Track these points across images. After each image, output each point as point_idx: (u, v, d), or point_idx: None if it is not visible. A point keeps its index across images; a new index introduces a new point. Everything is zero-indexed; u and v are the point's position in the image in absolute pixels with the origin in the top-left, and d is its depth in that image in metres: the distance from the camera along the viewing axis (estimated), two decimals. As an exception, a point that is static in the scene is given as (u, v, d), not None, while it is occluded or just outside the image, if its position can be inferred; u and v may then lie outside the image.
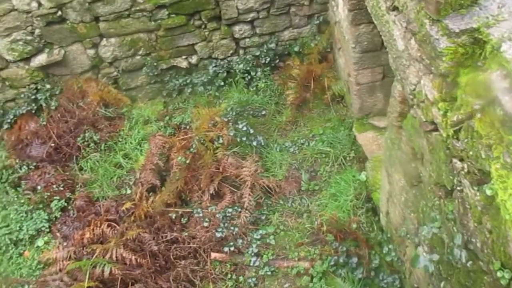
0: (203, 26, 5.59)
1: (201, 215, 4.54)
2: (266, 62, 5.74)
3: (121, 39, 5.45)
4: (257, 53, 5.77)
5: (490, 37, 1.78)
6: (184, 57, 5.83)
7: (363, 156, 4.82)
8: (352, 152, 4.95)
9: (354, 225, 4.21)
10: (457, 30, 1.84)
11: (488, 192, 1.76)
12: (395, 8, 2.45)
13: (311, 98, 5.45)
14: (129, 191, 4.96)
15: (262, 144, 5.08)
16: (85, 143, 5.37)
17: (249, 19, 5.57)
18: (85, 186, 5.13)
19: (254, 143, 4.99)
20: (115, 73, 5.78)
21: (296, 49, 5.70)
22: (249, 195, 4.55)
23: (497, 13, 1.83)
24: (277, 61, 5.80)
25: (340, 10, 4.41)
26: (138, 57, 5.66)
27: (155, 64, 5.76)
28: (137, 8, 5.21)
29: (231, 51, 5.87)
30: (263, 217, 4.65)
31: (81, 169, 5.30)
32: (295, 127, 5.44)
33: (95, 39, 5.42)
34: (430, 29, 1.97)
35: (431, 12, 1.92)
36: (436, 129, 2.31)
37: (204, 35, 5.66)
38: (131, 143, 5.41)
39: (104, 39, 5.46)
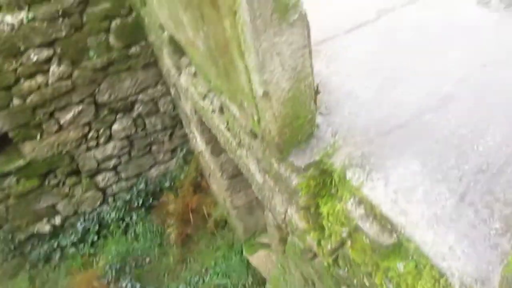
0: (61, 184, 5.16)
1: None
2: (140, 204, 5.44)
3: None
4: (128, 198, 5.46)
5: (334, 167, 1.83)
6: (45, 220, 5.22)
7: (262, 277, 4.60)
8: (250, 277, 4.70)
9: None
10: (303, 166, 1.86)
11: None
12: (243, 146, 2.48)
13: (194, 231, 5.20)
14: None
15: (153, 296, 4.56)
16: None
17: (111, 166, 5.32)
18: None
19: (144, 299, 4.44)
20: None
21: (167, 184, 5.54)
22: None
23: (332, 142, 1.91)
24: (151, 200, 5.54)
25: (199, 143, 4.46)
26: (-14, 236, 4.88)
27: (10, 237, 5.02)
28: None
29: (99, 202, 5.46)
30: None
31: None
32: (185, 266, 5.05)
33: None
34: (279, 168, 1.97)
35: (275, 152, 1.94)
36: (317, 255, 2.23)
37: (64, 193, 5.20)
38: None
39: None
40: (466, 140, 1.77)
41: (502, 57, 2.13)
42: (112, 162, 5.30)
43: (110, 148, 5.20)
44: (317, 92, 2.04)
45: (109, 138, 5.16)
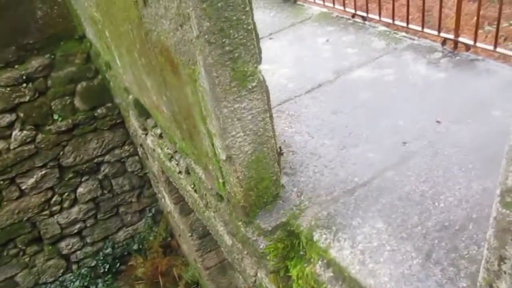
0: (21, 253, 4.88)
1: None
2: (106, 270, 5.19)
3: None
4: (94, 263, 5.20)
5: (301, 228, 1.81)
6: (2, 294, 4.86)
7: None
8: None
9: None
10: (270, 228, 1.84)
11: None
12: (210, 207, 2.44)
13: (164, 296, 4.96)
14: None
15: None
16: None
17: (75, 230, 5.11)
18: None
19: None
20: None
21: (135, 247, 5.34)
22: None
23: (298, 202, 1.91)
24: (118, 265, 5.30)
25: (168, 202, 4.36)
26: None
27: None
28: None
29: (62, 270, 5.17)
30: None
31: None
32: (155, 335, 4.76)
33: None
34: (245, 232, 1.94)
35: (241, 215, 1.92)
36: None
37: (24, 262, 4.91)
38: None
39: None
40: (427, 197, 1.80)
41: (453, 113, 2.24)
42: (76, 227, 5.09)
43: (74, 212, 5.01)
44: (280, 153, 2.06)
45: (74, 202, 4.99)
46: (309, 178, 2.03)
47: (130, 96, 3.25)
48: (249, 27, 1.50)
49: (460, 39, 2.70)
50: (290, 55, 3.14)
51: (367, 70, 2.75)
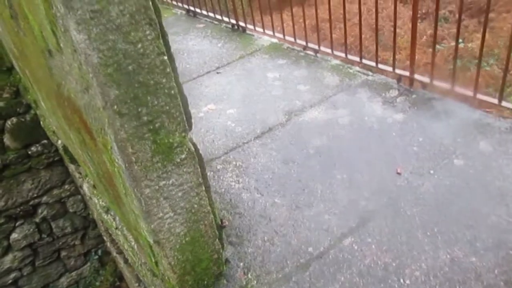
0: None
1: None
2: (46, 322, 4.65)
3: None
4: (32, 316, 4.66)
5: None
6: None
7: None
8: None
9: None
10: (211, 318, 1.55)
11: None
12: (146, 277, 2.12)
13: None
14: None
15: None
16: None
17: (10, 281, 4.57)
18: None
19: None
20: None
21: (79, 295, 4.85)
22: None
23: (245, 283, 1.63)
24: (61, 316, 4.78)
25: (111, 249, 3.96)
26: None
27: None
28: None
29: (-6, 326, 4.59)
30: None
31: None
32: None
33: None
34: (183, 321, 1.63)
35: (177, 302, 1.61)
36: None
37: (-51, 322, 4.32)
38: None
39: None
40: (391, 271, 1.58)
41: (414, 162, 2.05)
42: (11, 277, 4.55)
43: (8, 261, 4.48)
44: (222, 226, 1.78)
45: (7, 249, 4.46)
46: (257, 248, 1.76)
47: (59, 141, 2.88)
48: (172, 92, 1.22)
49: (416, 76, 2.54)
50: (238, 93, 2.89)
51: (321, 111, 2.53)
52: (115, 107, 1.14)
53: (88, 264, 4.99)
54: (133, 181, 1.26)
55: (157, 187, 1.31)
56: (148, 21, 1.10)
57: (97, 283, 4.91)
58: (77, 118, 1.61)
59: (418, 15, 2.45)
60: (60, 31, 1.15)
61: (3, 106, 4.01)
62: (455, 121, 2.26)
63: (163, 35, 1.18)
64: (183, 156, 1.33)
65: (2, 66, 3.97)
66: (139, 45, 1.11)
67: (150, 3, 1.10)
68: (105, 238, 4.60)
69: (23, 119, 4.10)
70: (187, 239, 1.46)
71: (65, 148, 2.81)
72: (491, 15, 9.52)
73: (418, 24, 2.65)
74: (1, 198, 4.29)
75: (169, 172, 1.32)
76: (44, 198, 4.56)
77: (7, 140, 4.15)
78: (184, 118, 1.29)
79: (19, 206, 4.42)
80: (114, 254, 4.37)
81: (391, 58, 2.65)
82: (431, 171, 1.99)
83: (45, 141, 4.29)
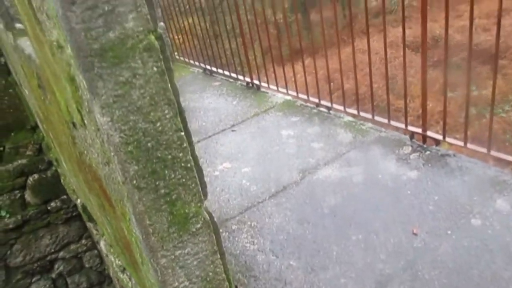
0: None
1: None
2: None
3: None
4: None
5: None
6: None
7: None
8: None
9: None
10: None
11: None
12: None
13: None
14: None
15: None
16: None
17: None
18: None
19: None
20: None
21: None
22: None
23: None
24: None
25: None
26: None
27: None
28: None
29: None
30: None
31: None
32: None
33: None
34: None
35: None
36: None
37: None
38: None
39: None
40: None
41: (430, 222, 2.03)
42: (25, 335, 4.50)
43: (23, 318, 4.45)
44: (237, 293, 1.77)
45: (22, 306, 4.44)
46: (273, 314, 1.74)
47: (79, 200, 2.95)
48: (188, 165, 1.27)
49: (429, 133, 2.57)
50: (253, 151, 2.95)
51: (334, 169, 2.56)
52: (134, 181, 1.19)
53: (102, 321, 4.92)
54: (150, 252, 1.29)
55: (173, 256, 1.33)
56: (167, 102, 1.17)
57: None
58: (97, 185, 1.67)
59: (431, 63, 2.52)
60: (85, 111, 1.23)
61: (26, 163, 4.15)
62: (471, 178, 2.26)
63: (181, 112, 1.25)
64: (198, 225, 1.36)
65: (27, 125, 4.16)
66: (158, 124, 1.18)
67: (169, 85, 1.17)
68: (120, 294, 4.55)
69: (44, 176, 4.23)
70: (202, 307, 1.46)
71: (84, 207, 2.87)
72: (504, 62, 9.63)
73: (431, 72, 2.70)
74: (19, 253, 4.34)
75: (185, 242, 1.34)
76: (61, 254, 4.59)
77: (28, 196, 4.26)
78: (200, 189, 1.33)
79: (36, 262, 4.46)
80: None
81: (404, 107, 2.68)
82: (448, 232, 1.97)
83: (65, 196, 4.39)
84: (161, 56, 1.13)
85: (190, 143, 1.30)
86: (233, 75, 4.26)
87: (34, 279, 4.49)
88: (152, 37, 1.11)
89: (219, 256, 1.45)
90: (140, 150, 1.17)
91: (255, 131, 3.21)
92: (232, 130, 3.29)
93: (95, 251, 4.75)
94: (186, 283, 1.39)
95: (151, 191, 1.22)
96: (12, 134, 4.10)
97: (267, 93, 3.81)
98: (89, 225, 3.62)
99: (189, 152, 1.28)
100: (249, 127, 3.28)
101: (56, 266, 4.59)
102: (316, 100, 3.31)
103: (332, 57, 3.18)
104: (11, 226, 4.18)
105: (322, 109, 3.29)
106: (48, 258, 4.51)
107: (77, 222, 4.56)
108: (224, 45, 4.35)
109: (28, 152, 4.16)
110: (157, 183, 1.23)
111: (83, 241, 4.64)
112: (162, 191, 1.25)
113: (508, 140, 7.79)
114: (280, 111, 3.42)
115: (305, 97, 3.40)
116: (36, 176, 4.19)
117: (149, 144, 1.18)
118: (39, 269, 4.48)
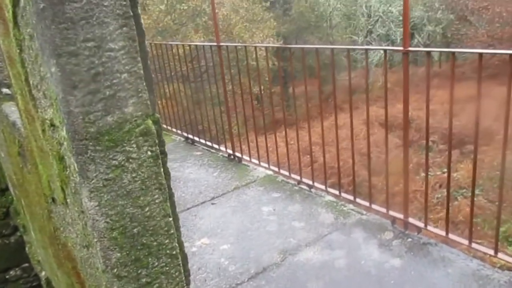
0: None
1: None
2: None
3: None
4: None
5: None
6: None
7: None
8: None
9: None
10: None
11: None
12: None
13: None
14: None
15: None
16: None
17: None
18: None
19: None
20: None
21: None
22: None
23: None
24: None
25: None
26: None
27: None
28: None
29: None
30: None
31: None
32: None
33: None
34: None
35: None
36: None
37: None
38: None
39: None
40: None
41: (416, 316, 1.96)
42: None
43: None
44: None
45: None
46: None
47: (43, 273, 2.75)
48: (174, 252, 1.21)
49: (411, 220, 2.58)
50: (233, 226, 2.87)
51: (316, 251, 2.50)
52: (115, 270, 1.11)
53: None
54: None
55: None
56: (158, 186, 1.14)
57: None
58: (70, 265, 1.56)
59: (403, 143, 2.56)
60: (70, 191, 1.18)
61: (-11, 227, 3.90)
62: (454, 271, 2.23)
63: (170, 196, 1.21)
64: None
65: (-4, 186, 3.97)
66: (147, 209, 1.13)
67: (162, 169, 1.15)
68: None
69: (7, 241, 3.97)
70: None
71: (48, 281, 2.67)
72: (471, 147, 10.05)
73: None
74: (-33, 327, 3.94)
75: (163, 336, 1.24)
76: (14, 328, 4.19)
77: (-14, 262, 3.95)
78: (183, 278, 1.26)
79: (-16, 337, 4.04)
80: None
81: (383, 184, 2.70)
82: (434, 327, 1.90)
83: (26, 264, 4.10)
84: (156, 141, 1.12)
85: (177, 229, 1.25)
86: (215, 146, 4.28)
87: None
88: (150, 122, 1.10)
89: None
90: (125, 236, 1.11)
91: (235, 205, 3.15)
92: (212, 203, 3.22)
93: (52, 327, 4.36)
94: None
95: (132, 279, 1.15)
96: (-21, 194, 3.90)
97: (249, 166, 3.81)
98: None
99: (176, 239, 1.22)
100: (229, 200, 3.23)
101: None
102: (298, 178, 3.31)
103: (313, 129, 3.25)
104: (-38, 295, 3.83)
105: (303, 186, 3.29)
106: (-1, 333, 4.10)
107: (36, 294, 4.22)
108: (208, 111, 4.38)
109: (-6, 215, 3.94)
110: (139, 271, 1.16)
111: (40, 315, 4.27)
112: (144, 280, 1.17)
113: (479, 224, 7.94)
114: (261, 186, 3.39)
115: (286, 173, 3.41)
116: (0, 239, 3.94)
117: (135, 230, 1.13)
118: None
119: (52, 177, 1.34)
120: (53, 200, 1.48)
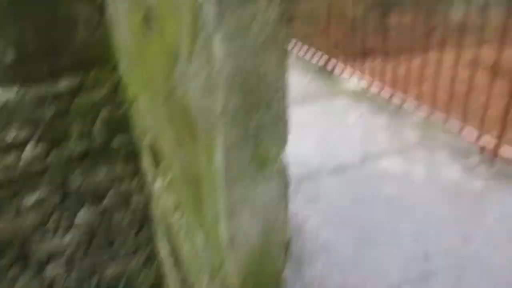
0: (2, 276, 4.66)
1: None
2: (85, 305, 4.88)
3: None
4: (74, 296, 4.92)
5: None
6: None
7: None
8: None
9: None
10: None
11: None
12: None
13: None
14: None
15: None
16: None
17: (64, 259, 4.88)
18: None
19: None
20: None
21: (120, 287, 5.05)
22: None
23: (299, 305, 1.69)
24: (99, 303, 4.99)
25: (163, 250, 4.13)
26: None
27: None
28: None
29: (40, 296, 4.90)
30: None
31: None
32: None
33: None
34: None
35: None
36: None
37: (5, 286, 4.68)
38: None
39: None
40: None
41: (485, 232, 2.01)
42: (66, 254, 4.87)
43: (67, 239, 4.81)
44: (289, 246, 1.86)
45: (69, 228, 4.80)
46: (315, 275, 1.82)
47: (147, 139, 3.14)
48: (281, 109, 1.36)
49: (502, 150, 2.51)
50: (318, 128, 3.00)
51: (396, 163, 2.57)
52: (232, 114, 1.29)
53: (134, 261, 5.21)
54: (226, 184, 1.40)
55: (244, 192, 1.43)
56: (278, 47, 1.26)
57: (139, 280, 5.09)
58: (183, 118, 1.80)
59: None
60: (198, 43, 1.34)
61: (102, 96, 4.42)
62: (537, 201, 2.20)
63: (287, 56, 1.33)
64: (273, 170, 1.45)
65: (109, 63, 4.41)
66: (266, 64, 1.26)
67: (282, 32, 1.25)
68: (159, 238, 4.81)
69: (115, 111, 4.48)
70: (258, 247, 1.56)
71: (151, 147, 3.06)
72: None
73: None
74: (77, 181, 4.66)
75: (258, 182, 1.44)
76: (113, 189, 4.88)
77: (96, 129, 4.54)
78: (284, 136, 1.42)
79: (89, 191, 4.77)
80: (164, 256, 4.55)
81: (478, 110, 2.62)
82: (504, 244, 1.95)
83: (128, 134, 4.64)
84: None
85: (286, 88, 1.39)
86: (310, 53, 4.30)
87: (84, 207, 4.82)
88: (279, -17, 1.19)
89: (284, 204, 1.54)
90: (244, 84, 1.27)
91: (323, 110, 3.26)
92: (301, 106, 3.35)
93: (142, 195, 5.01)
94: (250, 220, 1.49)
95: (244, 126, 1.32)
96: (94, 69, 4.37)
97: (341, 77, 3.82)
98: (147, 167, 3.84)
99: (284, 98, 1.36)
100: (317, 106, 3.33)
101: (105, 200, 4.90)
102: (390, 92, 3.29)
103: (412, 61, 3.15)
104: (75, 153, 4.49)
105: (394, 102, 3.27)
106: (100, 190, 4.82)
107: (133, 162, 4.82)
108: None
109: (104, 89, 4.43)
110: (251, 120, 1.32)
111: (134, 183, 4.91)
112: (253, 128, 1.34)
113: None
114: (350, 97, 3.43)
115: (378, 88, 3.39)
116: (106, 112, 4.46)
117: (253, 82, 1.27)
118: (90, 199, 4.80)
119: (180, 33, 1.51)
120: (176, 56, 1.68)
